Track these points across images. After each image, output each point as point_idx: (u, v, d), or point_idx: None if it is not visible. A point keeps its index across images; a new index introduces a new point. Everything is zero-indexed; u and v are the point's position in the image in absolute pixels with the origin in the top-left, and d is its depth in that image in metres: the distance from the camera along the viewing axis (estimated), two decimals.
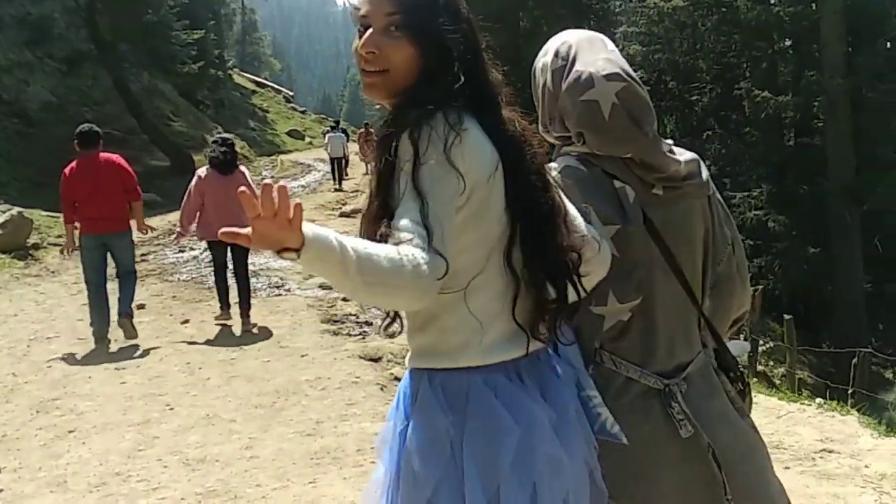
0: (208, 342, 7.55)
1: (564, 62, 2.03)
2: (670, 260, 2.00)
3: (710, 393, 2.06)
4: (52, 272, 11.94)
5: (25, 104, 22.33)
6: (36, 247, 13.29)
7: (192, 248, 12.54)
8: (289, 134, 40.77)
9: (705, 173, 2.09)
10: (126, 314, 7.61)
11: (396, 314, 1.79)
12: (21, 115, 21.91)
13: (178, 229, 8.36)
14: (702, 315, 2.09)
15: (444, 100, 1.61)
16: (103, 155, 7.57)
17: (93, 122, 8.94)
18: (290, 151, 35.09)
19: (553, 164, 1.95)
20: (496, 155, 1.65)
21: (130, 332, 7.58)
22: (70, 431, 5.17)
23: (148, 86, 27.15)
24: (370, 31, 1.67)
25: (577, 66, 1.99)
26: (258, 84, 50.41)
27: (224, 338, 7.67)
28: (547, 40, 2.16)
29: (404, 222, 1.51)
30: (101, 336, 7.48)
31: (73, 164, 7.51)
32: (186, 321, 8.51)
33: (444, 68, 1.64)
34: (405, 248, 1.47)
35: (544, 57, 2.08)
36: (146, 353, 7.23)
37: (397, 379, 5.85)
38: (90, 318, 7.59)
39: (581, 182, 1.93)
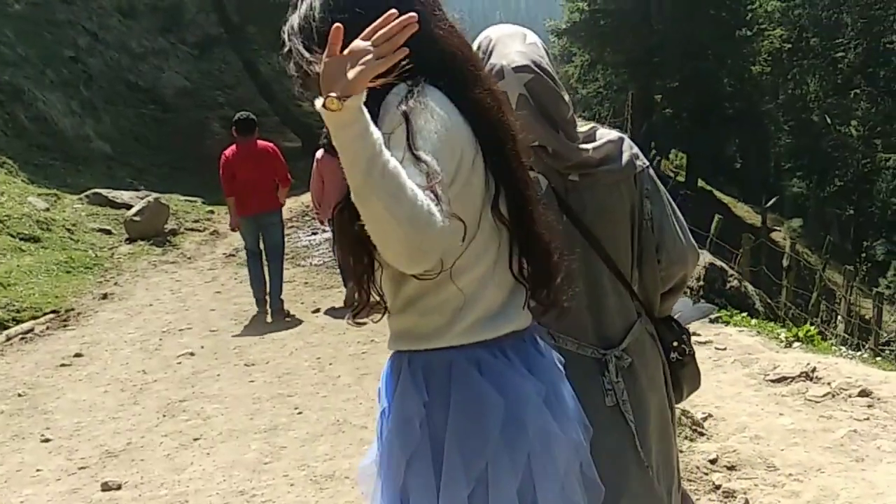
0: (339, 334, 7.24)
1: (484, 55, 2.13)
2: (591, 240, 2.12)
3: (644, 363, 2.17)
4: (189, 258, 11.95)
5: (161, 90, 22.79)
6: (173, 233, 13.37)
7: (325, 231, 12.32)
8: None
9: (627, 155, 2.20)
10: (277, 294, 8.33)
11: (368, 300, 1.68)
12: (157, 101, 22.37)
13: (315, 212, 8.87)
14: (629, 288, 2.19)
15: (408, 73, 1.50)
16: (260, 142, 8.21)
17: (225, 106, 9.49)
18: None
19: None
20: (468, 127, 1.61)
21: (281, 315, 8.18)
22: (196, 439, 4.91)
23: (277, 67, 27.36)
24: None
25: (492, 59, 2.10)
26: None
27: (355, 329, 7.31)
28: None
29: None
30: (259, 298, 8.29)
31: (233, 147, 8.16)
32: (317, 310, 8.25)
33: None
34: (423, 193, 1.40)
35: (482, 34, 2.18)
36: (277, 345, 6.99)
37: None
38: (250, 282, 8.40)
39: None
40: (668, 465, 2.26)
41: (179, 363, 6.64)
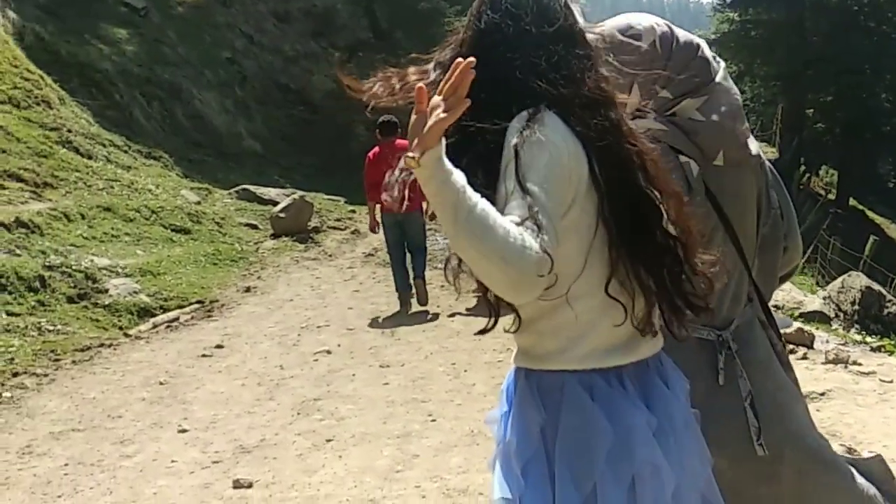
0: (474, 340, 7.10)
1: (668, 29, 2.15)
2: (727, 225, 2.14)
3: (755, 344, 2.20)
4: (329, 255, 12.11)
5: (311, 93, 23.30)
6: (316, 230, 13.60)
7: None
8: None
9: (755, 143, 2.24)
10: (420, 276, 8.59)
11: (498, 314, 1.72)
12: (306, 103, 22.89)
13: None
14: (749, 274, 2.22)
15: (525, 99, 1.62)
16: (400, 142, 8.20)
17: (371, 109, 9.69)
18: None
19: None
20: (583, 153, 1.61)
21: (423, 296, 8.57)
22: (328, 440, 4.83)
23: None
24: None
25: (678, 33, 2.15)
26: None
27: (491, 336, 7.16)
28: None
29: (513, 218, 1.46)
30: (405, 299, 8.50)
31: (376, 149, 8.43)
32: (453, 314, 8.14)
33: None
34: (519, 228, 1.44)
35: (640, 24, 2.13)
36: (413, 348, 6.92)
37: None
38: (394, 283, 8.57)
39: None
40: (798, 443, 2.20)
41: (316, 360, 6.64)
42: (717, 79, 2.16)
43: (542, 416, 1.68)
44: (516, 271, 1.42)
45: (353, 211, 15.39)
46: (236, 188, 15.36)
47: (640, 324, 1.69)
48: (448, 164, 1.46)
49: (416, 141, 1.46)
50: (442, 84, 1.50)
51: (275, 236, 12.91)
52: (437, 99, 1.48)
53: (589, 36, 1.90)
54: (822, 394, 5.06)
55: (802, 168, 30.28)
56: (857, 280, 9.93)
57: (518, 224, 1.45)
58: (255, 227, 13.42)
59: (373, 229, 8.81)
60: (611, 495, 1.62)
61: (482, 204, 1.44)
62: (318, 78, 23.91)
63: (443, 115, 1.45)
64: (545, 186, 1.51)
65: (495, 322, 1.74)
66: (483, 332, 1.77)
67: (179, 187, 14.49)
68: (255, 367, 6.54)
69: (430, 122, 1.45)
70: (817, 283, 15.56)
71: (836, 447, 4.04)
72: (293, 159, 20.30)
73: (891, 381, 5.27)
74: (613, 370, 1.68)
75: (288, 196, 14.38)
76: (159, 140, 16.72)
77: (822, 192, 29.67)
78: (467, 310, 8.21)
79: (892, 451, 4.14)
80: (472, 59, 1.48)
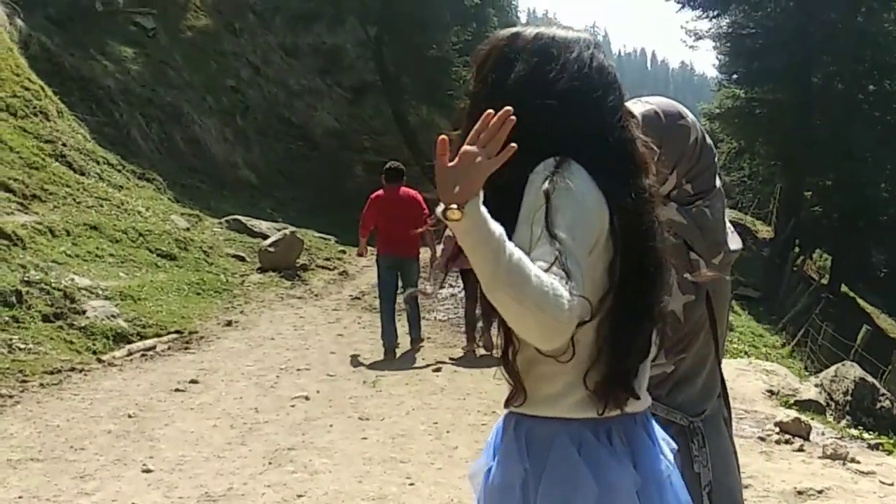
0: (459, 398, 6.85)
1: (702, 129, 2.21)
2: (712, 322, 2.21)
3: (720, 436, 2.24)
4: (316, 295, 11.88)
5: (312, 129, 23.25)
6: (304, 268, 13.38)
7: (451, 285, 11.98)
8: None
9: (736, 241, 2.32)
10: (417, 339, 8.88)
11: (521, 388, 1.69)
12: (306, 139, 22.82)
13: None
14: (720, 369, 2.30)
15: (558, 148, 1.63)
16: (404, 189, 8.57)
17: (370, 150, 10.36)
18: None
19: None
20: (606, 206, 1.61)
21: (416, 349, 8.77)
22: (299, 496, 4.55)
23: (426, 119, 27.61)
24: None
25: (707, 136, 2.22)
26: None
27: (476, 396, 6.93)
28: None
29: (541, 264, 1.47)
30: (390, 348, 8.49)
31: (381, 192, 8.63)
32: (438, 369, 7.89)
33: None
34: (549, 276, 1.45)
35: (688, 117, 2.18)
36: (394, 402, 6.66)
37: None
38: (381, 336, 8.51)
39: (671, 253, 1.93)
40: None
41: (293, 406, 6.36)
42: (717, 183, 2.25)
43: (525, 468, 1.66)
44: (552, 319, 1.43)
45: (343, 251, 15.20)
46: (227, 217, 15.13)
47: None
48: (486, 214, 1.45)
49: (451, 192, 1.44)
50: (473, 135, 1.49)
51: (262, 270, 12.67)
52: (470, 148, 1.47)
53: (639, 108, 2.08)
54: (821, 491, 4.84)
55: (797, 250, 30.28)
56: (851, 370, 9.75)
57: (545, 270, 1.45)
58: (242, 259, 13.18)
59: (361, 254, 9.17)
60: None
61: (518, 252, 1.45)
62: (321, 115, 23.90)
63: (487, 163, 1.46)
64: (573, 233, 1.52)
65: (525, 396, 1.69)
66: (508, 403, 1.73)
67: (170, 212, 14.25)
68: (229, 407, 6.26)
69: (472, 170, 1.45)
70: (805, 368, 15.39)
71: None
72: (288, 194, 20.13)
73: (891, 484, 5.06)
74: (603, 423, 1.67)
75: (279, 230, 14.18)
76: (154, 162, 16.52)
77: (815, 276, 29.64)
78: (451, 359, 8.01)
79: None
80: (510, 108, 1.47)
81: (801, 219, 30.88)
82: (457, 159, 1.46)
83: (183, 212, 14.68)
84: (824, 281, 29.54)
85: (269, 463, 5.08)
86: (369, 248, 9.02)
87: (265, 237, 13.92)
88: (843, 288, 32.03)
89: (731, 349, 11.45)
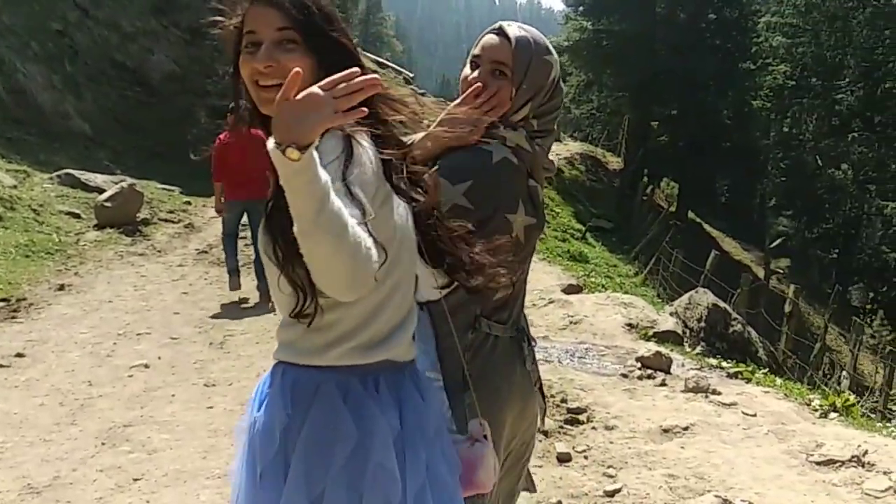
0: None
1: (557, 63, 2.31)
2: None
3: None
4: (159, 251, 11.17)
5: (148, 73, 21.94)
6: (146, 222, 12.59)
7: None
8: None
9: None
10: (266, 291, 8.08)
11: (313, 302, 1.65)
12: (143, 84, 21.54)
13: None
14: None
15: None
16: (253, 130, 7.60)
17: (213, 94, 9.93)
18: (407, 133, 34.14)
19: (490, 148, 2.16)
20: (380, 163, 1.68)
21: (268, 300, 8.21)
22: (136, 479, 4.12)
23: None
24: (264, 46, 1.72)
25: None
26: (379, 64, 49.76)
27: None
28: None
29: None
30: (233, 269, 8.50)
31: (226, 133, 8.35)
32: None
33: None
34: (360, 229, 1.50)
35: (553, 54, 2.26)
36: (243, 363, 6.24)
37: None
38: (225, 259, 8.66)
39: (514, 175, 2.18)
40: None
41: (131, 376, 5.85)
42: (554, 128, 2.37)
43: (287, 413, 1.70)
44: (362, 269, 1.49)
45: (189, 202, 14.43)
46: (59, 172, 14.05)
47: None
48: (317, 158, 1.45)
49: (290, 131, 1.42)
50: (329, 81, 1.48)
51: (99, 227, 11.82)
52: (320, 93, 1.46)
53: (514, 30, 2.23)
54: (686, 428, 4.76)
55: (646, 179, 31.09)
56: (704, 297, 9.91)
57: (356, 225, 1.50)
58: (77, 216, 12.26)
59: (219, 211, 8.70)
60: (338, 499, 1.65)
61: (338, 202, 1.47)
62: (158, 58, 22.54)
63: (333, 115, 1.46)
64: (364, 191, 1.58)
65: (314, 303, 1.64)
66: (299, 314, 1.67)
67: None
68: (58, 382, 5.69)
69: (315, 119, 1.44)
70: (658, 296, 15.77)
71: (710, 498, 3.71)
72: (125, 143, 18.96)
73: (754, 415, 5.04)
74: (371, 369, 1.72)
75: (116, 183, 13.26)
76: None
77: (664, 205, 30.54)
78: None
79: (766, 499, 3.84)
80: (377, 77, 1.52)
81: (649, 148, 31.73)
82: (302, 96, 1.44)
83: (8, 168, 13.54)
84: (672, 209, 30.53)
85: (103, 444, 4.60)
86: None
87: (101, 191, 12.97)
88: (690, 215, 33.23)
89: (588, 283, 11.50)
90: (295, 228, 1.46)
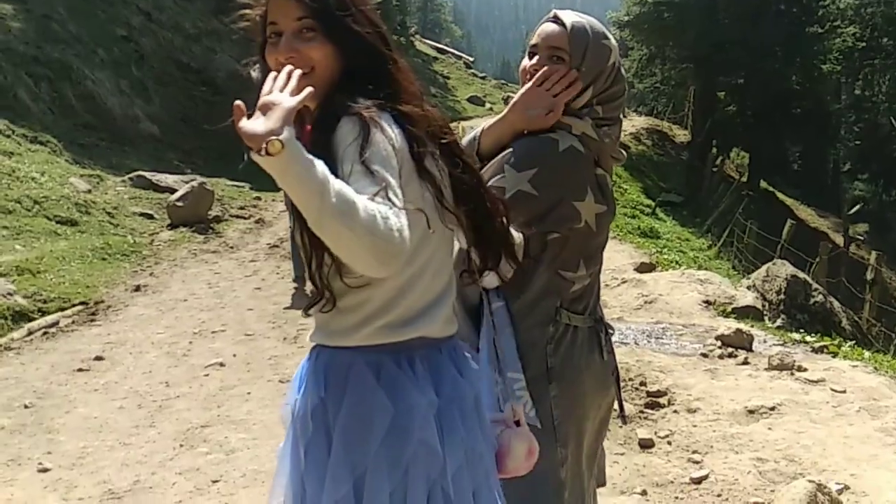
0: None
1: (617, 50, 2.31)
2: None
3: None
4: (231, 247, 11.29)
5: (213, 73, 22.23)
6: (217, 220, 12.75)
7: None
8: (469, 100, 39.73)
9: None
10: None
11: (326, 295, 1.72)
12: (208, 84, 21.82)
13: None
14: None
15: (368, 91, 1.69)
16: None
17: None
18: (470, 118, 33.90)
19: (556, 136, 2.17)
20: (406, 146, 1.68)
21: None
22: (215, 482, 4.13)
23: None
24: (284, 36, 1.76)
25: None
26: (439, 50, 49.86)
27: None
28: None
29: (365, 195, 1.51)
30: (300, 276, 8.40)
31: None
32: None
33: (362, 62, 1.74)
34: (375, 203, 1.49)
35: (611, 40, 2.27)
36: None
37: None
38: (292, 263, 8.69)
39: (581, 163, 2.19)
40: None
41: (207, 375, 5.89)
42: (621, 116, 2.36)
43: (321, 396, 1.72)
44: (384, 242, 1.46)
45: (259, 198, 14.56)
46: (131, 175, 14.31)
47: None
48: (302, 146, 1.47)
49: (259, 135, 1.45)
50: (268, 81, 1.57)
51: (172, 227, 12.00)
52: (267, 98, 1.51)
53: (570, 17, 2.24)
54: (773, 408, 4.59)
55: (715, 150, 30.46)
56: (783, 269, 9.63)
57: (371, 199, 1.49)
58: (150, 216, 12.48)
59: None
60: (380, 477, 1.66)
61: (340, 182, 1.48)
62: (222, 57, 22.82)
63: (291, 101, 1.50)
64: (385, 166, 1.57)
65: (332, 300, 1.72)
66: (308, 309, 1.77)
67: (68, 174, 13.39)
68: (136, 384, 5.76)
69: (277, 111, 1.48)
70: (734, 268, 15.41)
71: (804, 483, 3.55)
72: (194, 143, 19.24)
73: (843, 392, 4.84)
74: (404, 348, 1.73)
75: (186, 183, 13.44)
76: (47, 123, 15.53)
77: (735, 175, 29.89)
78: None
79: (863, 481, 3.67)
80: (300, 70, 1.62)
81: (716, 119, 31.09)
82: (259, 106, 1.49)
83: (82, 173, 13.84)
84: (744, 179, 29.85)
85: (181, 445, 4.62)
86: None
87: (173, 191, 13.15)
88: (762, 184, 32.47)
89: (661, 260, 11.26)
90: (308, 222, 1.49)
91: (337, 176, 1.52)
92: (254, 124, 1.45)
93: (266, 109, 1.47)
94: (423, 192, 1.71)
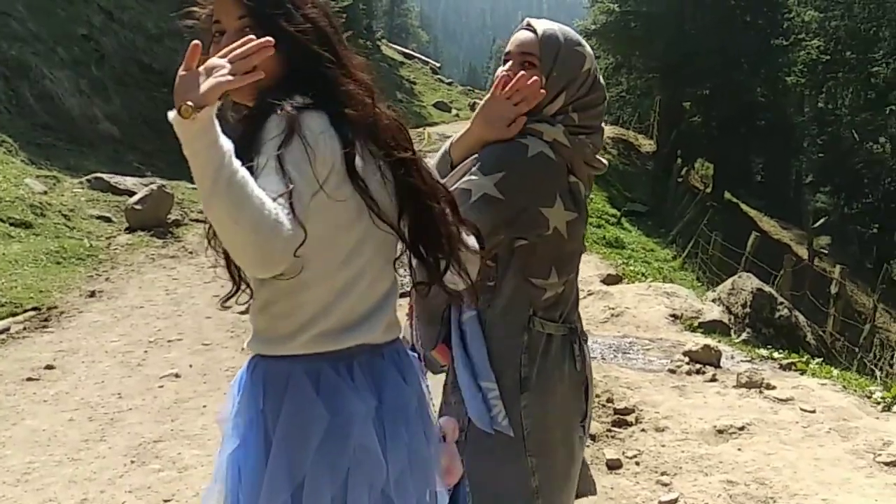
0: None
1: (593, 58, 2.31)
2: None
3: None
4: (190, 252, 11.04)
5: (175, 74, 21.89)
6: (177, 223, 12.48)
7: None
8: (435, 106, 39.59)
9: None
10: None
11: (241, 285, 1.78)
12: (170, 85, 21.22)
13: None
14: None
15: (305, 92, 1.68)
16: None
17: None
18: (436, 123, 33.81)
19: (527, 142, 2.15)
20: (339, 148, 1.68)
21: None
22: (166, 501, 3.95)
23: None
24: (226, 35, 1.76)
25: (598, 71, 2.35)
26: (406, 55, 49.69)
27: None
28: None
29: (269, 192, 1.50)
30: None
31: None
32: None
33: (299, 62, 1.74)
34: (274, 203, 1.49)
35: (586, 47, 2.28)
36: None
37: None
38: None
39: (551, 170, 2.15)
40: None
41: (161, 387, 5.69)
42: (601, 124, 2.36)
43: (260, 409, 1.70)
44: (266, 244, 1.46)
45: None
46: (89, 176, 14.00)
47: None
48: (218, 126, 1.48)
49: (188, 94, 1.46)
50: (226, 50, 1.54)
51: (130, 230, 11.72)
52: (217, 60, 1.52)
53: (542, 25, 2.24)
54: (742, 428, 4.51)
55: (680, 161, 30.64)
56: (748, 282, 9.62)
57: (273, 199, 1.48)
58: (108, 220, 12.17)
59: None
60: (320, 483, 1.65)
61: (242, 172, 1.47)
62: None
63: (229, 78, 1.49)
64: (301, 168, 1.57)
65: (238, 290, 1.77)
66: (227, 299, 1.79)
67: (23, 175, 13.04)
68: (88, 395, 5.55)
69: (211, 80, 1.48)
70: (698, 279, 15.43)
71: None
72: (154, 145, 18.86)
73: (813, 412, 4.77)
74: (344, 355, 1.72)
75: (146, 185, 13.17)
76: (3, 123, 15.14)
77: (700, 186, 30.09)
78: None
79: None
80: (271, 39, 1.56)
81: (682, 130, 31.28)
82: (203, 67, 1.50)
83: (38, 174, 13.48)
84: (708, 190, 30.06)
85: (132, 462, 4.43)
86: None
87: (132, 194, 12.88)
88: (727, 195, 32.73)
89: (627, 272, 11.21)
90: (201, 200, 1.50)
91: (254, 170, 1.53)
92: (186, 81, 1.47)
93: (210, 71, 1.49)
94: (354, 195, 1.70)
